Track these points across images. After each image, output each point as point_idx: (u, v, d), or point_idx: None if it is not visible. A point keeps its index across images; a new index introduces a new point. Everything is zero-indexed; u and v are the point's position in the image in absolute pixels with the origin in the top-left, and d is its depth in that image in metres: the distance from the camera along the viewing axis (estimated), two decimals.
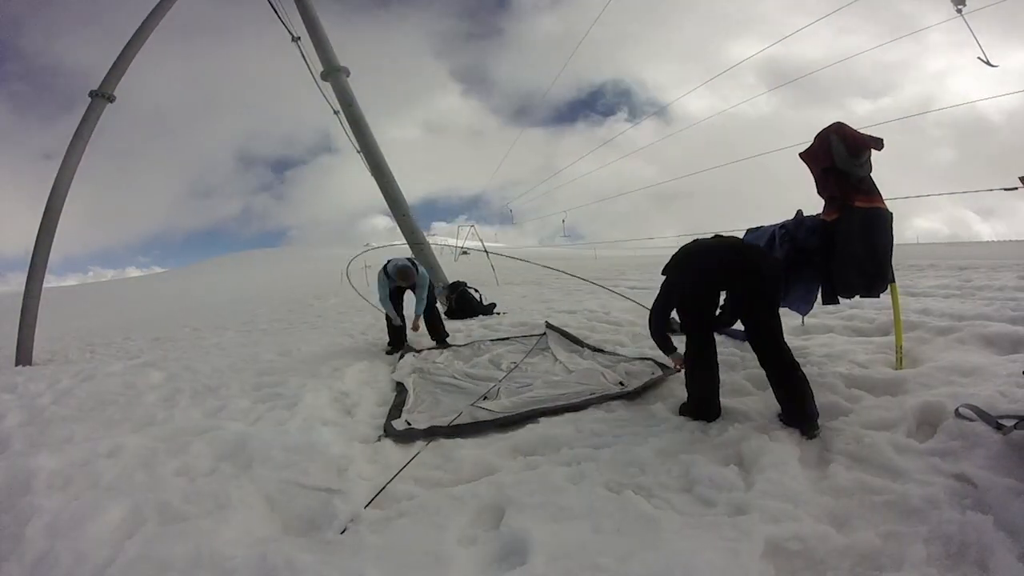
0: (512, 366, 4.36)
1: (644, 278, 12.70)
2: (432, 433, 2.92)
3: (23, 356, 7.39)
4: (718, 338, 4.70)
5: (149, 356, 6.70)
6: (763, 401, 2.93)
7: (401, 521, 2.04)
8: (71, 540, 2.02)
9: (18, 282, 8.22)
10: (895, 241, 3.22)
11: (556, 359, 4.46)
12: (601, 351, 4.68)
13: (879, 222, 3.16)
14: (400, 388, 3.91)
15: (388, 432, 2.99)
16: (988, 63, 3.86)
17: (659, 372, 3.71)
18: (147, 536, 2.02)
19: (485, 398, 3.48)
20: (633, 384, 3.48)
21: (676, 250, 3.07)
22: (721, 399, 2.92)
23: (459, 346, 5.53)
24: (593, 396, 3.28)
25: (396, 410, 3.39)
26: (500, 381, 3.84)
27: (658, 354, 4.37)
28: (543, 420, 2.96)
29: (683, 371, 2.98)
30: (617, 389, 3.40)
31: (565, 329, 5.48)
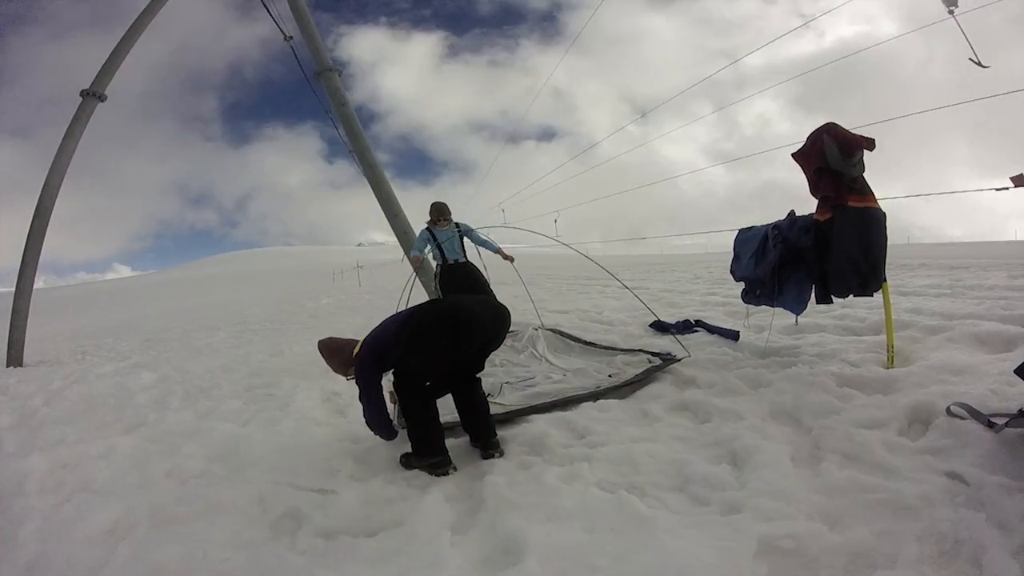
0: (505, 362, 4.37)
1: (636, 277, 12.77)
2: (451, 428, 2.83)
3: (14, 357, 7.33)
4: (708, 336, 4.74)
5: (140, 357, 6.65)
6: (756, 400, 2.94)
7: (395, 522, 2.03)
8: (63, 543, 2.01)
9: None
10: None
11: (543, 359, 4.48)
12: (594, 345, 4.73)
13: (873, 222, 3.17)
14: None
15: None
16: (980, 64, 3.86)
17: (658, 362, 3.77)
18: (139, 538, 2.01)
19: (489, 395, 3.48)
20: (630, 373, 3.53)
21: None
22: (715, 398, 2.91)
23: None
24: (599, 389, 3.33)
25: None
26: (504, 383, 3.81)
27: (652, 345, 4.41)
28: (537, 420, 2.95)
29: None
30: (608, 383, 3.45)
31: (558, 328, 5.49)
